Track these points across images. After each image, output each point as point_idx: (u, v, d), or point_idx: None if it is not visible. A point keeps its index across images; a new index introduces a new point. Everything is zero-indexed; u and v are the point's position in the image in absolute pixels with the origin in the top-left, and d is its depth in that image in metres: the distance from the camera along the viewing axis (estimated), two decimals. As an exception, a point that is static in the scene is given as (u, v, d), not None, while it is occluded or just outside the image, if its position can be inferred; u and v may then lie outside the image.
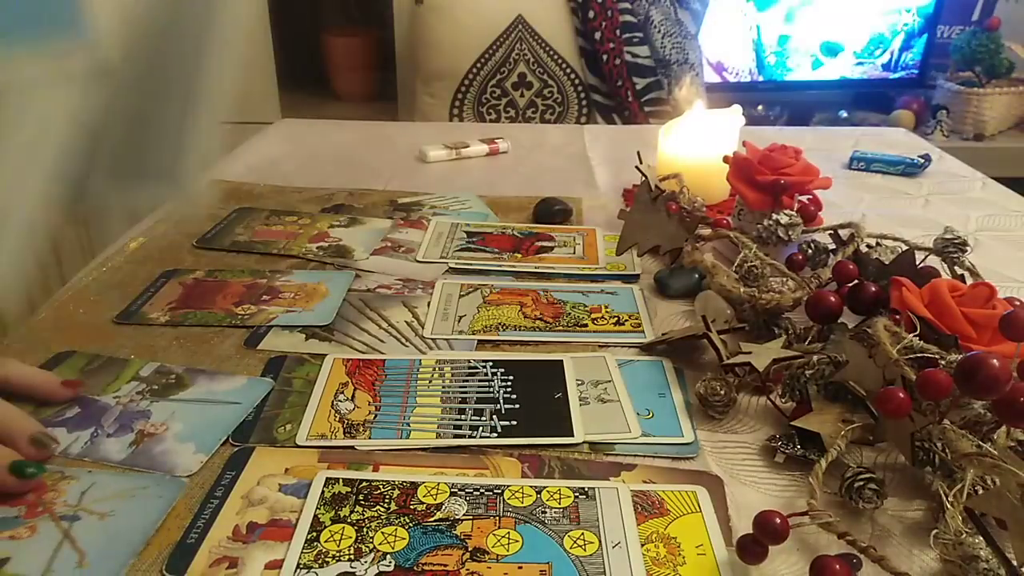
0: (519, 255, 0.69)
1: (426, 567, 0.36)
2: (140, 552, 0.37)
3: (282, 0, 1.95)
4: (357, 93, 2.17)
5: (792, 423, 0.45)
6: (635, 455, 0.44)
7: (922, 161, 0.95)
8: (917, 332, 0.45)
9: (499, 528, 0.38)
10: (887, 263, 0.56)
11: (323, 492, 0.40)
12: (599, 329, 0.57)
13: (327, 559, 0.36)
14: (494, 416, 0.47)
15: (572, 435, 0.45)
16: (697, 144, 0.78)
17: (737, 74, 2.10)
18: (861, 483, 0.40)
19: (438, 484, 0.41)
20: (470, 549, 0.37)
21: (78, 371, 0.51)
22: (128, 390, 0.49)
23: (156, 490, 0.41)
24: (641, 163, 0.68)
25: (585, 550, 0.37)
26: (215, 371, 0.51)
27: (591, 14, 1.59)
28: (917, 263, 0.56)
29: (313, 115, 1.72)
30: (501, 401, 0.48)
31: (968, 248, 0.58)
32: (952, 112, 2.09)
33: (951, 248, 0.58)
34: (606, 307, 0.60)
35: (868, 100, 2.25)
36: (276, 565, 0.36)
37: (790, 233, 0.60)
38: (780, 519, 0.36)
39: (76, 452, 0.43)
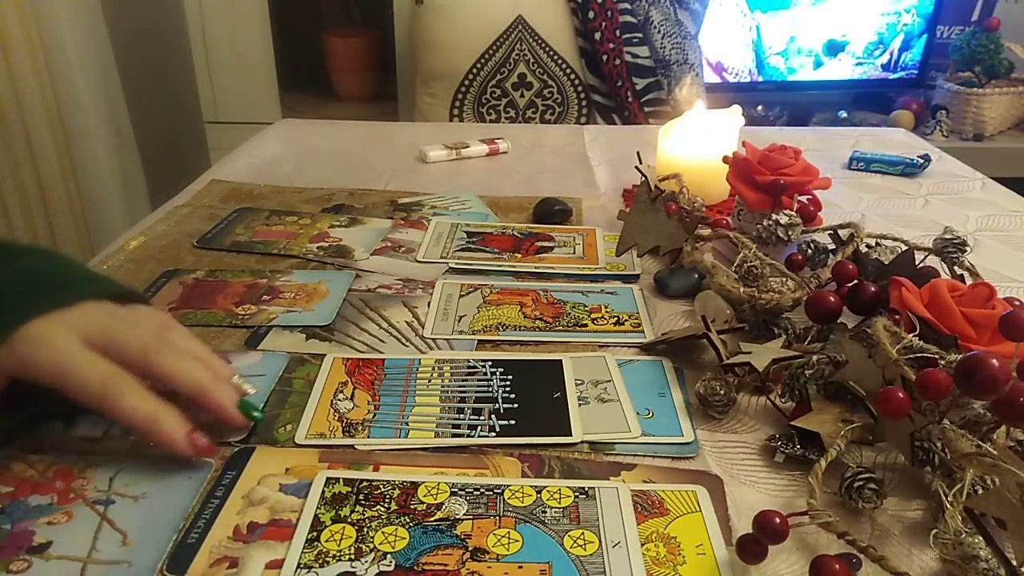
0: (519, 255, 0.69)
1: (426, 567, 0.36)
2: (180, 528, 0.38)
3: (282, 0, 1.95)
4: (357, 93, 2.17)
5: (792, 423, 0.45)
6: (635, 455, 0.44)
7: (921, 161, 0.95)
8: (917, 332, 0.45)
9: (499, 528, 0.38)
10: (887, 263, 0.56)
11: (323, 492, 0.40)
12: (599, 329, 0.57)
13: (327, 559, 0.36)
14: (492, 416, 0.47)
15: (570, 434, 0.45)
16: (697, 144, 0.78)
17: (737, 74, 2.10)
18: (861, 483, 0.40)
19: (438, 484, 0.41)
20: (470, 549, 0.37)
21: None
22: None
23: (184, 472, 0.41)
24: (641, 163, 0.68)
25: (585, 550, 0.37)
26: (227, 350, 0.53)
27: (591, 14, 1.59)
28: (917, 263, 0.56)
29: (313, 115, 1.73)
30: (499, 400, 0.48)
31: (968, 248, 0.58)
32: (952, 112, 2.09)
33: (951, 248, 0.58)
34: (606, 307, 0.60)
35: (868, 100, 2.25)
36: (277, 565, 0.36)
37: (790, 233, 0.60)
38: (780, 519, 0.36)
39: (120, 432, 0.44)
